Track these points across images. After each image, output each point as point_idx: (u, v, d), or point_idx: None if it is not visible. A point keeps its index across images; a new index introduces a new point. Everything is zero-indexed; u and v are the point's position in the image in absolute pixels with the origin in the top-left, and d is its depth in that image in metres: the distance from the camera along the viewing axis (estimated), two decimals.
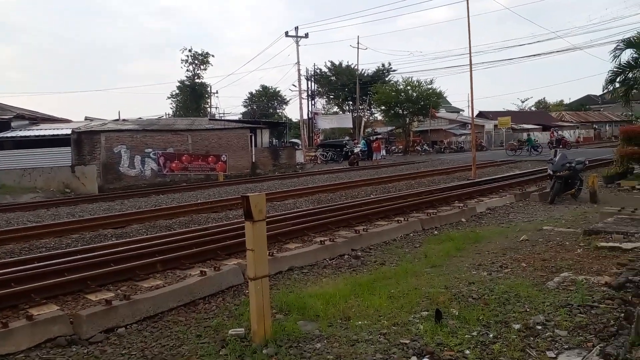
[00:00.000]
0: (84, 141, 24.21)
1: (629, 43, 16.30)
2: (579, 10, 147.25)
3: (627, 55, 16.57)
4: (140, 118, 32.68)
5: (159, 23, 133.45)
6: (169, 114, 58.02)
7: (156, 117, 37.32)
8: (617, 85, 16.93)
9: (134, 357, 4.14)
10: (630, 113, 60.27)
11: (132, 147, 24.81)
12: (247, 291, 5.42)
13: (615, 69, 16.78)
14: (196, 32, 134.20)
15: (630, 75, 16.52)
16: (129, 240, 8.85)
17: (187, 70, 61.22)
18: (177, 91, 63.71)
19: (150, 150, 25.36)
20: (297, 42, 39.55)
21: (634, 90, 16.83)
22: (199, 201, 15.24)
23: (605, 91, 18.80)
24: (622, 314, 4.18)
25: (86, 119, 33.07)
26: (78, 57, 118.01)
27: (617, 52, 16.67)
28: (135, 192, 20.13)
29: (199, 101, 62.03)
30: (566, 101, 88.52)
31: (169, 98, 65.60)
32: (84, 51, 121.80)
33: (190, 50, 60.03)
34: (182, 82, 61.85)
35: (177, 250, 7.37)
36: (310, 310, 4.87)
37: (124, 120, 30.42)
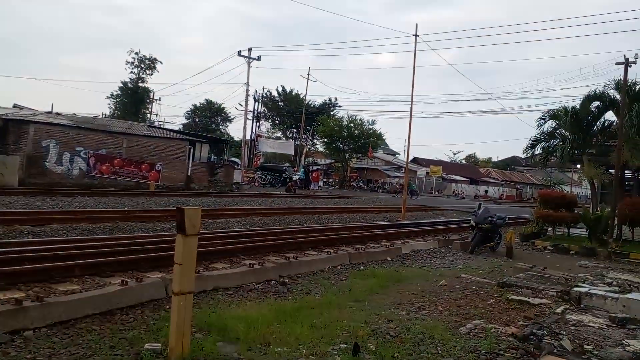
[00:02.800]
0: (10, 129, 22.73)
1: (552, 115, 17.83)
2: (514, 76, 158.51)
3: (549, 125, 18.12)
4: (74, 114, 31.15)
5: (104, 19, 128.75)
6: (106, 115, 55.76)
7: (92, 116, 35.75)
8: (539, 151, 18.36)
9: None
10: (549, 178, 65.14)
11: (62, 143, 23.56)
12: (168, 306, 5.32)
13: (536, 136, 18.27)
14: (144, 34, 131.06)
15: (549, 143, 18.01)
16: (47, 239, 8.39)
17: (132, 73, 59.43)
18: (118, 92, 61.53)
19: (81, 149, 24.18)
20: (248, 63, 39.73)
21: (553, 158, 18.30)
22: (126, 208, 14.70)
23: (525, 155, 20.33)
24: None
25: (15, 106, 31.09)
26: (10, 40, 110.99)
27: (541, 121, 18.21)
28: (59, 190, 19.04)
29: (140, 106, 60.11)
30: (494, 159, 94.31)
31: (108, 98, 63.09)
32: (18, 35, 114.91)
33: (137, 53, 58.49)
34: (124, 83, 59.82)
35: (98, 256, 7.07)
36: (231, 333, 4.84)
37: (57, 113, 28.92)
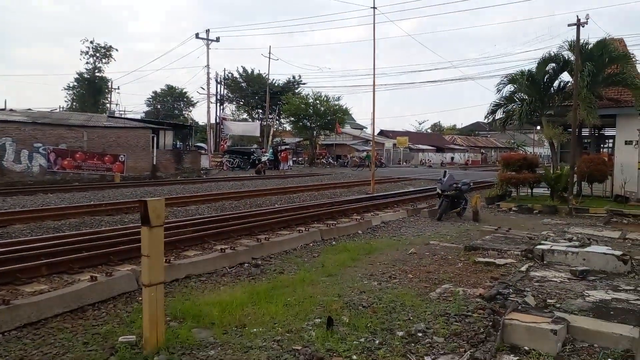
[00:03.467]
0: None
1: (511, 79, 18.16)
2: (473, 43, 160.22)
3: (508, 89, 18.47)
4: (29, 109, 30.06)
5: (55, 7, 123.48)
6: (63, 108, 53.96)
7: (49, 110, 34.56)
8: (500, 115, 18.74)
9: None
10: (512, 141, 66.69)
11: (18, 141, 22.75)
12: (140, 298, 5.30)
13: (496, 101, 18.63)
14: (98, 21, 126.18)
15: (509, 107, 18.40)
16: (10, 241, 8.17)
17: (87, 63, 57.61)
18: (75, 83, 59.60)
19: (40, 145, 23.41)
20: (207, 45, 38.91)
21: (513, 121, 18.71)
22: (92, 203, 14.39)
23: (487, 120, 20.74)
24: (491, 323, 4.69)
25: None
26: None
27: (500, 86, 18.51)
28: (20, 189, 18.46)
29: (98, 96, 58.46)
30: (458, 126, 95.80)
31: (64, 90, 61.22)
32: None
33: (91, 42, 56.62)
34: (80, 74, 58.02)
35: (65, 253, 6.97)
36: (206, 318, 4.88)
37: (10, 110, 27.86)
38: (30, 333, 4.58)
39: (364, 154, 48.76)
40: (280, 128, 58.12)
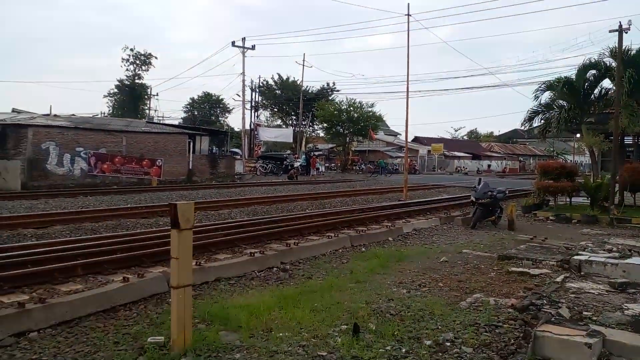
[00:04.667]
0: (8, 134, 22.82)
1: (549, 86, 17.72)
2: (511, 49, 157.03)
3: (547, 96, 18.03)
4: (73, 115, 31.18)
5: (99, 18, 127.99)
6: (105, 114, 55.80)
7: (90, 116, 35.78)
8: (537, 123, 18.29)
9: None
10: (551, 149, 64.89)
11: (61, 145, 23.63)
12: (170, 300, 5.38)
13: (534, 108, 18.20)
14: (138, 30, 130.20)
15: (547, 115, 17.93)
16: (50, 241, 8.48)
17: (127, 70, 59.46)
18: (115, 90, 61.53)
19: (81, 149, 24.25)
20: (243, 53, 39.47)
21: (552, 129, 18.23)
22: (128, 205, 14.79)
23: (524, 128, 20.29)
24: (522, 334, 4.56)
25: (13, 111, 31.13)
26: (6, 45, 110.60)
27: (538, 92, 18.10)
28: (61, 191, 19.16)
29: (138, 102, 60.17)
30: (496, 133, 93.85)
31: (105, 97, 63.20)
32: (14, 40, 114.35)
33: (132, 50, 58.41)
34: (121, 81, 59.88)
35: (100, 254, 7.17)
36: (233, 321, 4.92)
37: (55, 115, 28.94)
38: (64, 331, 4.71)
39: (380, 160, 48.81)
40: (313, 134, 58.33)
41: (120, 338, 4.55)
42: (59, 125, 24.69)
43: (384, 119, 55.18)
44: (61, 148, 23.60)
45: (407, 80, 20.27)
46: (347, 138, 49.16)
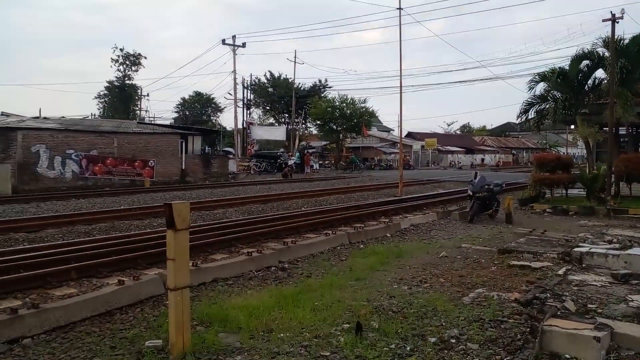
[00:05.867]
0: None
1: (543, 77, 17.69)
2: (502, 42, 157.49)
3: (541, 88, 17.99)
4: (63, 117, 30.84)
5: (87, 18, 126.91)
6: (95, 115, 55.32)
7: (81, 117, 35.41)
8: (532, 115, 18.26)
9: None
10: (544, 141, 65.15)
11: (52, 147, 23.35)
12: (167, 302, 5.25)
13: (529, 100, 18.16)
14: (127, 31, 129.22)
15: (542, 106, 17.90)
16: (42, 245, 8.30)
17: (117, 71, 58.85)
18: (106, 91, 61.01)
19: (72, 151, 23.97)
20: (234, 51, 39.19)
21: (546, 121, 18.21)
22: (121, 207, 14.61)
23: (519, 120, 20.26)
24: (528, 329, 4.47)
25: (2, 114, 30.75)
26: None
27: (532, 84, 18.05)
28: (53, 194, 18.91)
29: (129, 103, 59.67)
30: (488, 127, 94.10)
31: (95, 98, 62.64)
32: (0, 42, 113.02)
33: (121, 50, 57.81)
34: (111, 82, 59.30)
35: (94, 257, 7.02)
36: (233, 322, 4.80)
37: (45, 118, 28.61)
38: (59, 337, 4.57)
39: (352, 156, 48.60)
40: (306, 132, 58.21)
41: (117, 342, 4.43)
42: (49, 127, 24.40)
43: (377, 114, 55.16)
44: (52, 151, 23.32)
45: (400, 75, 20.20)
46: (341, 135, 49.08)
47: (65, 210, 14.18)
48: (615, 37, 15.00)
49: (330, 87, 55.79)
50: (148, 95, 60.41)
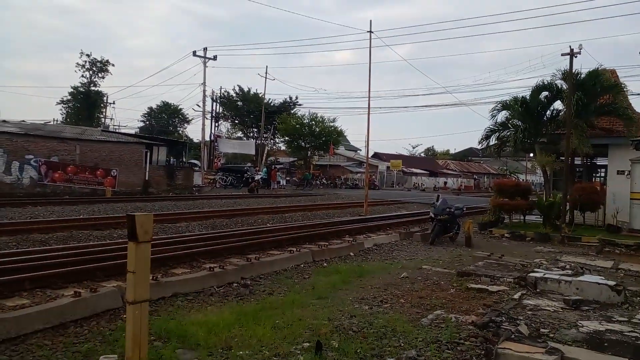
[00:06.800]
0: None
1: (504, 105, 18.33)
2: (467, 70, 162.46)
3: (503, 115, 18.63)
4: (23, 121, 29.92)
5: (53, 21, 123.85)
6: (58, 121, 53.80)
7: (42, 122, 34.39)
8: (493, 141, 18.85)
9: None
10: (505, 167, 67.13)
11: (10, 152, 22.59)
12: (124, 316, 5.14)
13: (490, 127, 18.76)
14: (93, 36, 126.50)
15: (503, 133, 18.52)
16: None
17: (83, 77, 57.59)
18: (69, 97, 59.49)
19: (31, 156, 23.25)
20: (204, 63, 39.11)
21: (507, 148, 18.80)
22: (81, 217, 14.21)
23: (480, 146, 20.86)
24: (484, 352, 4.58)
25: None
26: None
27: (494, 112, 18.67)
28: (9, 201, 18.21)
29: (93, 110, 58.33)
30: (452, 151, 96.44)
31: (59, 104, 60.97)
32: None
33: (88, 55, 56.71)
34: (75, 88, 57.93)
35: (50, 267, 6.81)
36: (191, 339, 4.74)
37: (3, 121, 27.71)
38: (8, 349, 4.41)
39: (305, 172, 48.59)
40: (274, 147, 58.22)
41: (70, 357, 4.31)
42: (7, 131, 23.62)
43: (345, 134, 55.78)
44: (9, 155, 22.57)
45: (369, 97, 20.54)
46: (309, 152, 49.32)
47: (21, 217, 13.69)
48: (573, 70, 15.73)
49: (300, 105, 56.24)
50: (114, 103, 59.46)
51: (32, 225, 11.61)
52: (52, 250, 8.40)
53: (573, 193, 15.23)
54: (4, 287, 5.89)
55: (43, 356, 4.30)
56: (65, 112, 60.72)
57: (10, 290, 5.91)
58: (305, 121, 47.82)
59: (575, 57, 15.34)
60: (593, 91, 16.39)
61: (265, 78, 47.56)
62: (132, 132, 46.00)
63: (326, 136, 47.49)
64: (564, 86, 16.76)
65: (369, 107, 20.82)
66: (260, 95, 52.54)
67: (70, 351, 4.43)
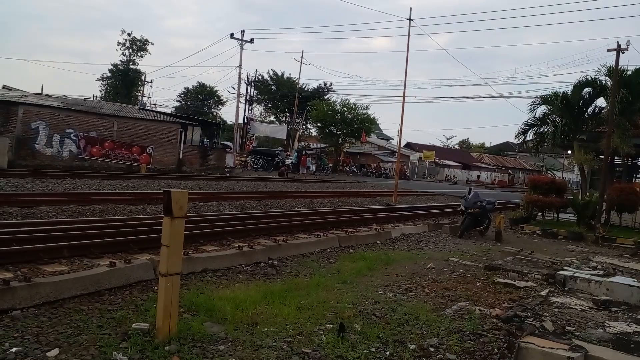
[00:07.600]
0: None
1: (545, 100, 17.87)
2: (507, 62, 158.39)
3: (542, 110, 18.18)
4: (64, 96, 30.82)
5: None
6: (97, 97, 55.20)
7: (82, 98, 35.38)
8: (531, 136, 18.44)
9: (27, 342, 3.95)
10: (541, 164, 65.52)
11: (52, 125, 23.37)
12: (156, 287, 5.34)
13: (528, 122, 18.33)
14: (134, 15, 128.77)
15: (541, 129, 18.09)
16: (35, 221, 8.38)
17: (123, 55, 58.89)
18: (109, 74, 60.93)
19: (71, 131, 24.01)
20: (241, 46, 39.33)
21: (545, 144, 18.37)
22: (116, 191, 14.67)
23: (517, 141, 20.44)
24: (506, 344, 4.58)
25: (4, 87, 30.70)
26: None
27: (533, 106, 18.22)
28: (49, 172, 18.94)
29: (131, 88, 59.66)
30: (487, 144, 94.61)
31: (98, 80, 62.59)
32: (4, 14, 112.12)
33: (129, 34, 57.85)
34: (115, 65, 59.30)
35: (87, 237, 7.09)
36: (219, 313, 4.89)
37: (47, 95, 28.61)
38: (48, 312, 4.65)
39: (323, 158, 48.46)
40: (306, 133, 58.32)
41: (104, 322, 4.51)
42: (50, 105, 24.40)
43: (378, 122, 55.33)
44: (51, 128, 23.35)
45: (405, 85, 20.37)
46: (340, 139, 49.21)
47: (60, 189, 14.22)
48: (619, 67, 15.20)
49: (334, 91, 56.05)
50: (152, 81, 60.54)
51: (71, 197, 12.06)
52: (90, 221, 8.74)
53: (610, 193, 14.82)
54: (44, 253, 6.18)
55: (79, 320, 4.51)
56: (104, 89, 62.33)
57: (50, 257, 6.19)
58: (337, 107, 47.63)
59: (622, 53, 14.85)
60: (638, 89, 15.80)
61: (301, 63, 47.62)
62: (168, 111, 46.96)
63: (358, 123, 47.22)
64: (608, 83, 16.24)
65: (404, 96, 20.64)
66: (294, 79, 52.61)
67: (105, 317, 4.64)
